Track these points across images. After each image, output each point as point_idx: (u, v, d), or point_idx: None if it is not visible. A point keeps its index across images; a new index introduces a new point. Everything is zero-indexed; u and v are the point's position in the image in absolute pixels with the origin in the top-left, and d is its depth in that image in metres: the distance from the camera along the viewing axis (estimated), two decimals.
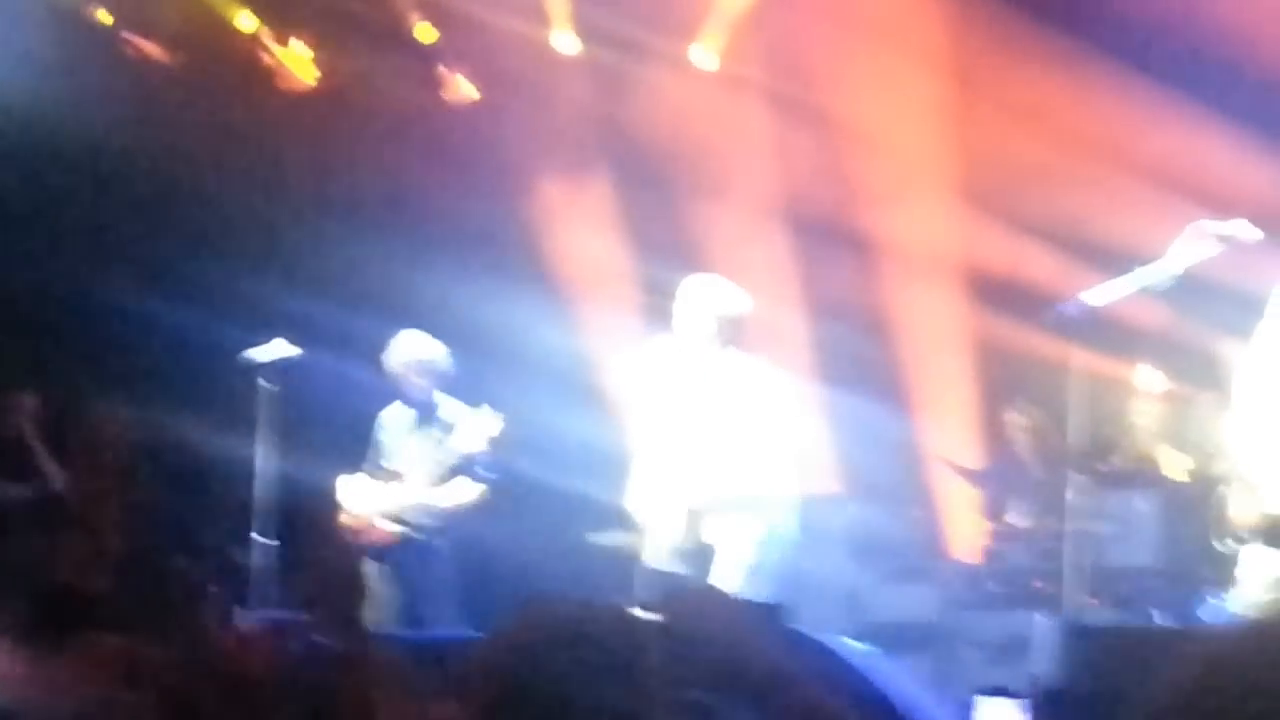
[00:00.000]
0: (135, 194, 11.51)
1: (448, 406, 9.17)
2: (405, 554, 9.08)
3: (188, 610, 9.04)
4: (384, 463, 9.24)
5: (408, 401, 9.23)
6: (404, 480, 9.14)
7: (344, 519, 9.20)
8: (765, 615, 6.02)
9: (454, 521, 9.10)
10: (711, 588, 7.13)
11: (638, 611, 3.69)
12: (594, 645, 2.60)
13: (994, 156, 10.19)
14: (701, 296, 8.05)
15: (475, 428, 8.87)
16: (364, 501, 9.15)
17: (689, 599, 3.07)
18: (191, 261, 11.06)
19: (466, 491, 9.04)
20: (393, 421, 9.31)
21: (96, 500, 9.88)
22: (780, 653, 2.93)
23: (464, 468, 9.02)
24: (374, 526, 9.11)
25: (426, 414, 9.20)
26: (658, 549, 8.01)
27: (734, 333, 8.03)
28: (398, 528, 9.07)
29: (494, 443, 8.87)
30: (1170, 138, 9.75)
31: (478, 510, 9.10)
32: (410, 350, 9.19)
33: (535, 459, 9.45)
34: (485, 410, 8.87)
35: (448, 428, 9.09)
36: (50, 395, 10.20)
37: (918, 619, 9.68)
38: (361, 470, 9.29)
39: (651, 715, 2.62)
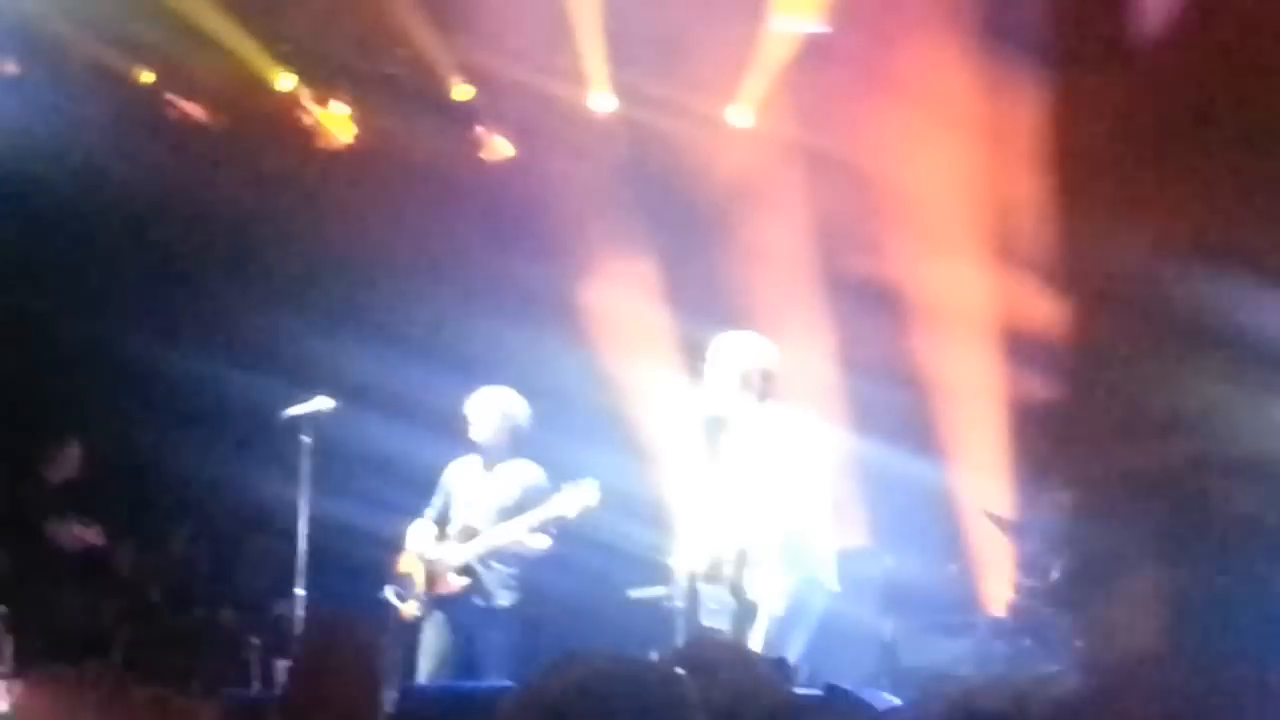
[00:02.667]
0: (178, 251, 11.63)
1: (519, 465, 9.33)
2: (468, 605, 9.21)
3: (231, 660, 9.13)
4: (452, 513, 9.38)
5: (482, 454, 9.36)
6: (470, 530, 9.27)
7: (412, 567, 9.34)
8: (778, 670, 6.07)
9: (520, 574, 9.23)
10: (736, 643, 7.17)
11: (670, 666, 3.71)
12: (624, 699, 2.61)
13: (1030, 215, 10.27)
14: (731, 352, 8.11)
15: (577, 495, 8.99)
16: (432, 550, 9.27)
17: (715, 653, 3.08)
18: (233, 317, 11.17)
19: (537, 540, 9.15)
20: (460, 473, 9.43)
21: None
22: (802, 703, 2.92)
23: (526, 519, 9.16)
24: (443, 576, 9.24)
25: (494, 467, 9.34)
26: (696, 603, 8.04)
27: (767, 385, 8.08)
28: (464, 580, 9.16)
29: (586, 512, 9.01)
30: (1211, 196, 9.82)
31: (543, 562, 9.23)
32: (494, 405, 9.32)
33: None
34: (588, 483, 9.01)
35: (518, 482, 9.26)
36: (96, 446, 10.31)
37: (952, 673, 9.66)
38: (424, 518, 9.43)
39: None
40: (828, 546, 8.09)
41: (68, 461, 10.40)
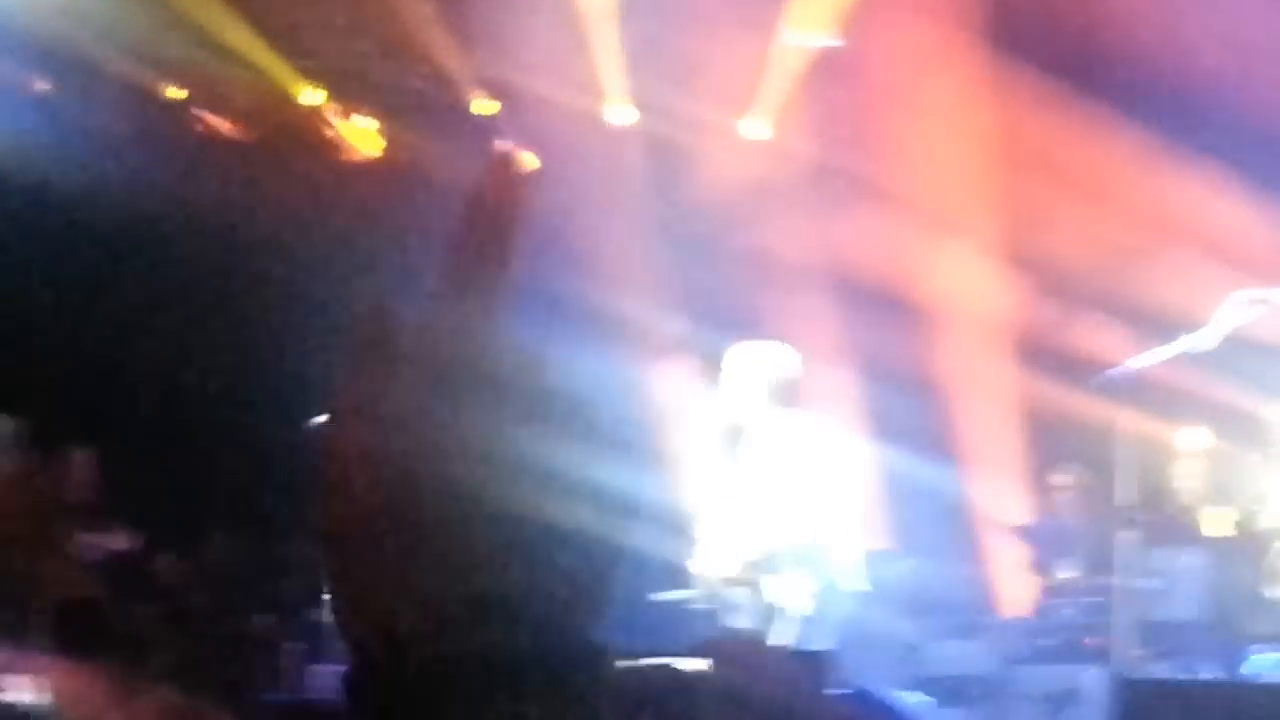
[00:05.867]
0: (204, 263, 11.82)
1: None
2: None
3: (267, 664, 9.32)
4: None
5: None
6: None
7: None
8: (814, 664, 6.27)
9: None
10: (758, 638, 7.35)
11: (690, 663, 3.79)
12: (641, 698, 2.76)
13: (1041, 224, 10.48)
14: (753, 361, 8.26)
15: None
16: None
17: (736, 649, 3.11)
18: (260, 326, 11.36)
19: None
20: None
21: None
22: (826, 700, 2.93)
23: None
24: None
25: None
26: (720, 605, 8.22)
27: (789, 394, 8.23)
28: None
29: None
30: (1213, 205, 10.03)
31: None
32: None
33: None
34: None
35: None
36: (117, 455, 10.45)
37: (972, 673, 9.85)
38: None
39: None
40: (856, 549, 8.21)
41: (81, 469, 10.49)
